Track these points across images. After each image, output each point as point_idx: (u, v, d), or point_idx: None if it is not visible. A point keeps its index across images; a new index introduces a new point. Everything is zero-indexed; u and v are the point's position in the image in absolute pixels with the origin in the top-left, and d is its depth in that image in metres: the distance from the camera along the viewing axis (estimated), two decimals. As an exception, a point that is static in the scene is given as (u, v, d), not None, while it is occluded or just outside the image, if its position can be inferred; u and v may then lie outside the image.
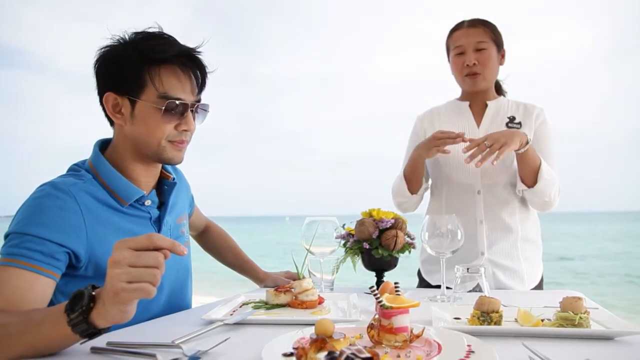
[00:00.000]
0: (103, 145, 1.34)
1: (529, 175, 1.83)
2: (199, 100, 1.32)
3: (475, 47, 1.91)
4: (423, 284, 2.06)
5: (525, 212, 1.94)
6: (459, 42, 1.95)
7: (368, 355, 0.70)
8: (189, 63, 1.26)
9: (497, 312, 1.08)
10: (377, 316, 0.94)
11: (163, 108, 1.22)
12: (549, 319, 1.12)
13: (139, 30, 1.26)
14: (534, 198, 1.88)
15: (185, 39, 1.29)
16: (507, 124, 1.95)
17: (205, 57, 1.29)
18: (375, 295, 0.94)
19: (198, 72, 1.29)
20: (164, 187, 1.41)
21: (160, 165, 1.38)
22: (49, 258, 1.08)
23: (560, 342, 0.99)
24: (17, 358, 0.89)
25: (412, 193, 1.98)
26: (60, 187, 1.16)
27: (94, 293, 0.87)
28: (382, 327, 0.91)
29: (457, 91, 2.11)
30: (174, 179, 1.43)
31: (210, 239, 1.92)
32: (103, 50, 1.25)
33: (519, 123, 1.95)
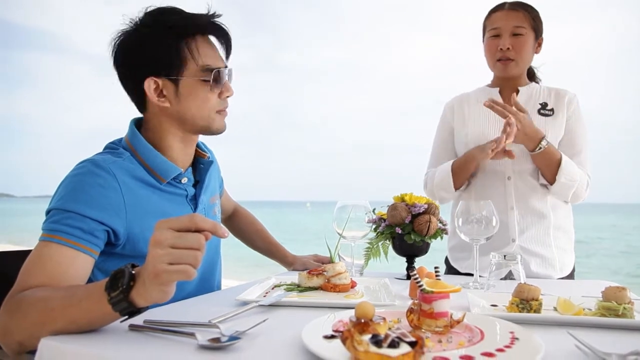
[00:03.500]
0: (138, 124, 1.34)
1: (546, 174, 1.83)
2: (227, 66, 1.32)
3: (512, 32, 1.87)
4: (451, 271, 2.04)
5: (557, 199, 1.90)
6: (496, 23, 1.90)
7: (413, 339, 0.69)
8: (216, 31, 1.28)
9: (536, 300, 1.06)
10: (416, 300, 0.92)
11: (211, 79, 1.24)
12: (589, 309, 1.09)
13: (148, 9, 1.24)
14: (554, 194, 1.88)
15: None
16: (539, 111, 1.91)
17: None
18: (416, 279, 0.92)
19: (223, 39, 1.31)
20: (200, 165, 1.42)
21: (195, 143, 1.39)
22: (89, 235, 1.10)
23: (604, 332, 0.96)
24: (59, 332, 0.90)
25: (456, 189, 1.94)
26: (100, 165, 1.17)
27: (134, 272, 0.87)
28: (423, 312, 0.90)
29: (485, 79, 2.07)
30: (209, 157, 1.44)
31: (239, 223, 1.93)
32: (122, 38, 1.24)
33: (552, 110, 1.91)
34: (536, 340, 0.81)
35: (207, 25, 1.26)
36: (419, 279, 0.92)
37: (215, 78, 1.25)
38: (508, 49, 1.86)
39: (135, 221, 1.19)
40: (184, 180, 1.34)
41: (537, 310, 1.05)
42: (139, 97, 1.29)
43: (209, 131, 1.31)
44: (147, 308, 0.91)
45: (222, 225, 0.89)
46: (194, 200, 1.37)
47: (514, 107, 1.73)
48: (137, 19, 1.24)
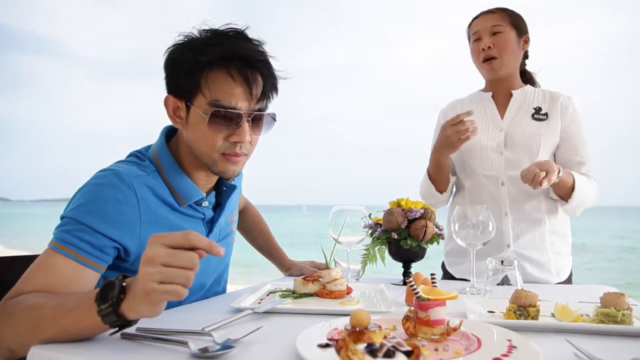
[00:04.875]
0: (169, 134, 1.30)
1: (562, 195, 1.83)
2: (261, 109, 1.20)
3: (490, 31, 1.89)
4: (447, 276, 2.03)
5: (552, 204, 1.90)
6: (475, 28, 1.94)
7: (409, 348, 0.68)
8: (244, 66, 1.14)
9: (534, 306, 1.05)
10: (412, 308, 0.91)
11: (208, 117, 1.14)
12: (587, 315, 1.08)
13: (209, 27, 1.18)
14: (564, 211, 1.90)
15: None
16: (532, 115, 1.90)
17: (276, 61, 1.19)
18: (412, 286, 0.91)
19: (259, 76, 1.17)
20: (223, 188, 1.38)
21: None
22: (98, 251, 1.07)
23: (602, 339, 0.95)
24: (49, 341, 0.89)
25: (440, 192, 1.96)
26: (122, 178, 1.12)
27: (124, 284, 0.85)
28: (419, 320, 0.88)
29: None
30: (233, 181, 1.39)
31: (245, 220, 1.89)
32: (169, 50, 1.19)
33: (545, 114, 1.90)
34: (534, 348, 0.80)
35: (233, 58, 1.13)
36: (415, 286, 0.90)
37: (215, 116, 1.14)
38: (489, 47, 1.88)
39: (147, 240, 1.16)
40: (205, 203, 1.30)
41: (535, 317, 1.04)
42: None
43: (212, 171, 1.24)
44: (137, 321, 0.88)
45: (217, 244, 0.86)
46: (210, 224, 1.34)
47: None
48: (186, 34, 1.18)
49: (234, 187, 1.38)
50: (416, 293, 0.90)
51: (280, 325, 1.04)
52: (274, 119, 1.25)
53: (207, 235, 1.32)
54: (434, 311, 0.87)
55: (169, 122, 1.26)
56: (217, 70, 1.14)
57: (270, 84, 1.20)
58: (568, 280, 1.92)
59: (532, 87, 2.00)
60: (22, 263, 1.52)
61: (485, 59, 1.91)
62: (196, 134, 1.18)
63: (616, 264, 16.64)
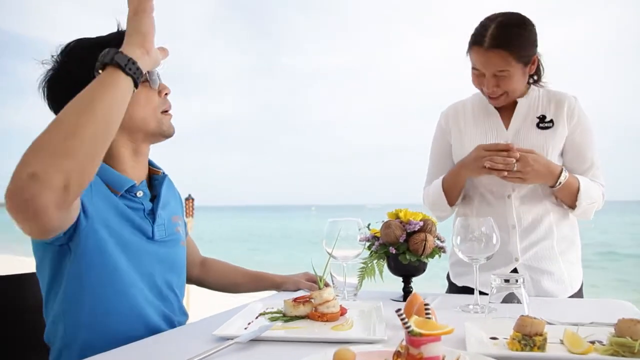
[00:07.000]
0: None
1: (566, 201, 1.78)
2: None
3: (493, 74, 1.70)
4: (453, 288, 1.94)
5: (560, 210, 1.81)
6: (476, 64, 1.73)
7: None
8: None
9: (540, 335, 0.96)
10: (404, 342, 0.82)
11: (147, 79, 1.30)
12: (600, 342, 0.99)
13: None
14: (576, 217, 1.85)
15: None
16: (537, 125, 1.80)
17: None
18: (402, 318, 0.82)
19: None
20: (154, 182, 1.42)
21: (147, 156, 1.41)
22: None
23: (616, 373, 0.86)
24: (74, 133, 0.96)
25: (451, 205, 1.86)
26: None
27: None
28: (410, 357, 0.79)
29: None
30: (163, 173, 1.45)
31: (214, 267, 1.77)
32: (55, 67, 1.30)
33: (551, 121, 1.79)
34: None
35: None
36: (406, 319, 0.81)
37: (149, 77, 1.31)
38: (493, 90, 1.73)
39: (97, 216, 1.19)
40: (139, 193, 1.34)
41: (542, 347, 0.95)
42: None
43: (160, 132, 1.36)
44: (140, 73, 1.10)
45: None
46: (152, 215, 1.35)
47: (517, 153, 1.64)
48: (57, 55, 1.32)
49: (164, 177, 1.45)
50: (407, 327, 0.81)
51: (267, 356, 0.96)
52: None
53: (152, 226, 1.33)
54: (427, 347, 0.78)
55: None
56: None
57: None
58: (579, 292, 1.82)
59: (536, 89, 1.88)
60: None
61: (489, 95, 1.78)
62: (139, 102, 1.30)
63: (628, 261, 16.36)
